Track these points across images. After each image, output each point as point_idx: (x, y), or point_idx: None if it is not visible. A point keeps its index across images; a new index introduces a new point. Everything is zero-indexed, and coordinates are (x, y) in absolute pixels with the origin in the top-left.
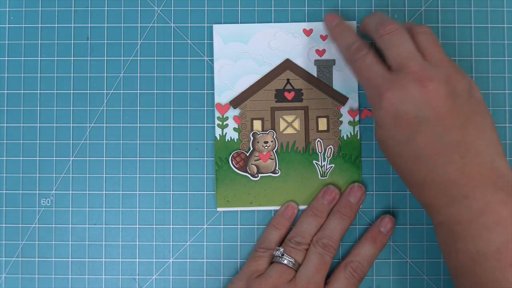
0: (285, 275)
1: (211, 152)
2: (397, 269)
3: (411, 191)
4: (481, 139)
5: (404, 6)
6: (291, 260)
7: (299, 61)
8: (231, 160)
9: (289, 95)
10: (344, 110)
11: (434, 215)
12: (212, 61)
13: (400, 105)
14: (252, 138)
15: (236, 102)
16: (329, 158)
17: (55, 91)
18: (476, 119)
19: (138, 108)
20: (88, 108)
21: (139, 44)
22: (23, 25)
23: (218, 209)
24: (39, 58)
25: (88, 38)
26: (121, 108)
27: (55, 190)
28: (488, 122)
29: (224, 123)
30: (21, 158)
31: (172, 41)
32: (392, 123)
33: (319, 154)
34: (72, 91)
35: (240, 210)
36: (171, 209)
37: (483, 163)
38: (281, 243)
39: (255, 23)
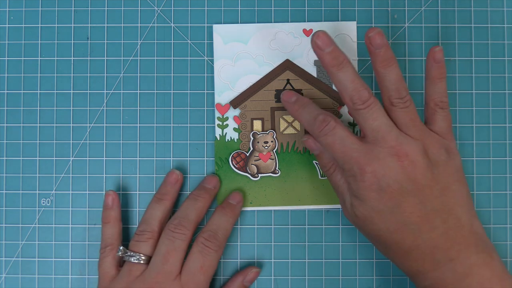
0: (133, 272)
1: (211, 152)
2: (397, 269)
3: (396, 261)
4: (459, 206)
5: (404, 6)
6: (135, 255)
7: (299, 61)
8: (231, 160)
9: None
10: (344, 110)
11: (420, 281)
12: (212, 61)
13: (382, 178)
14: (252, 138)
15: (236, 102)
16: None
17: (55, 91)
18: (454, 187)
19: (138, 108)
20: (88, 108)
21: (139, 44)
22: (23, 25)
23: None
24: (39, 58)
25: (88, 38)
26: (121, 108)
27: (55, 190)
28: (464, 190)
29: (224, 123)
30: (21, 158)
31: (172, 41)
32: (375, 196)
33: None
34: (72, 91)
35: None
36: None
37: (463, 226)
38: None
39: (255, 23)
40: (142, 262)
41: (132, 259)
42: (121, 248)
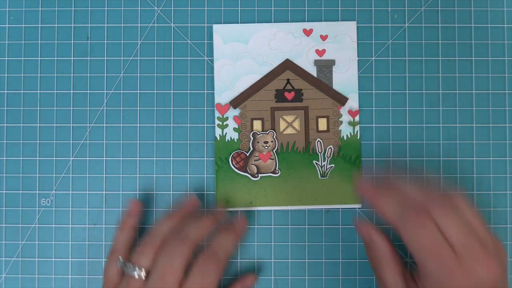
0: (132, 285)
1: (211, 152)
2: None
3: None
4: None
5: (404, 6)
6: (134, 268)
7: (299, 61)
8: (231, 160)
9: (289, 95)
10: (344, 110)
11: None
12: (212, 61)
13: (470, 285)
14: (252, 138)
15: (236, 102)
16: (329, 158)
17: (55, 91)
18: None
19: (138, 108)
20: (88, 108)
21: (139, 44)
22: (23, 25)
23: (218, 209)
24: (39, 58)
25: (88, 38)
26: (121, 108)
27: (55, 190)
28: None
29: (224, 123)
30: (21, 158)
31: (172, 41)
32: None
33: (319, 154)
34: (72, 91)
35: (240, 210)
36: (172, 209)
37: None
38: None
39: (255, 23)
40: (142, 276)
41: (131, 273)
42: (120, 259)
